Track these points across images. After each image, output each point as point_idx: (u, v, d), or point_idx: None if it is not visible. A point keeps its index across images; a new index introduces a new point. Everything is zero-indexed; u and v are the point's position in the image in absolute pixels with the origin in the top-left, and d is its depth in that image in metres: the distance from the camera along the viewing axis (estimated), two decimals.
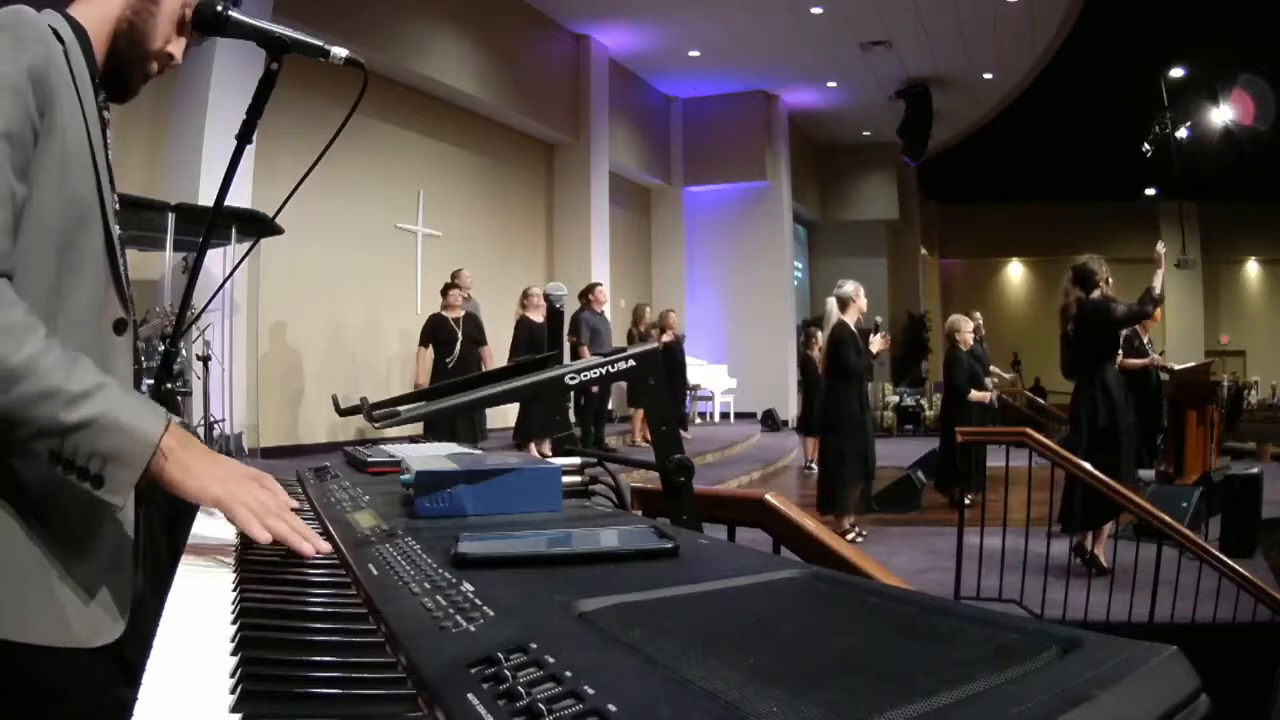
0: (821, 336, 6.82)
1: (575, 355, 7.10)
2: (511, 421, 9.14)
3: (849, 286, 5.95)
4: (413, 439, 3.63)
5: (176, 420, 1.01)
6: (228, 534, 1.07)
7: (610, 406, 9.81)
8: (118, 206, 1.12)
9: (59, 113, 1.01)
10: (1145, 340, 6.65)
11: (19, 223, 0.98)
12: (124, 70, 1.16)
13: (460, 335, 7.12)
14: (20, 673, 0.96)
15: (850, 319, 5.91)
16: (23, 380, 0.89)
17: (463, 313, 7.26)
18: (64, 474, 0.92)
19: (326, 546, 0.99)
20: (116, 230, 1.09)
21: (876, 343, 6.02)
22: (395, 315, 9.11)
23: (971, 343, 7.23)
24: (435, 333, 7.18)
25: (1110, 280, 4.95)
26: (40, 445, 0.92)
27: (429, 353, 7.22)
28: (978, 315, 8.12)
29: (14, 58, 0.97)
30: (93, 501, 0.94)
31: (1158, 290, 4.85)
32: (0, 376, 0.88)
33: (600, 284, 9.01)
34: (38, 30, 1.01)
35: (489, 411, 7.77)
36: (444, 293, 7.33)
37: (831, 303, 6.00)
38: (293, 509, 1.03)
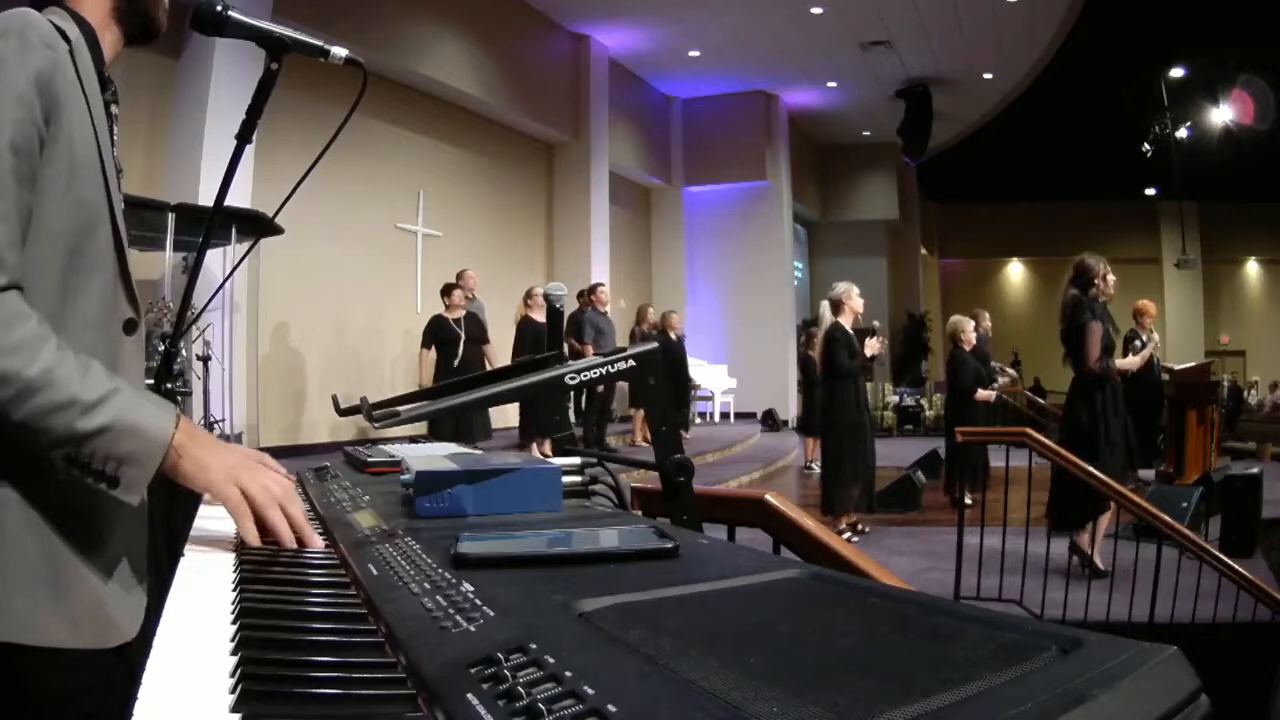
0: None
1: (576, 355, 7.08)
2: (513, 421, 9.14)
3: (840, 288, 5.90)
4: (413, 439, 3.63)
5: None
6: (227, 532, 1.08)
7: (611, 406, 9.80)
8: (124, 205, 1.12)
9: (65, 116, 1.01)
10: (1145, 337, 6.56)
11: (27, 232, 0.98)
12: (145, 29, 1.18)
13: (462, 335, 7.10)
14: (30, 675, 0.96)
15: (846, 320, 5.86)
16: (39, 392, 0.91)
17: (463, 313, 7.23)
18: (80, 476, 0.94)
19: (320, 542, 1.01)
20: (124, 229, 1.09)
21: (872, 346, 5.99)
22: (396, 315, 9.10)
23: (975, 342, 7.21)
24: (437, 334, 7.15)
25: (1110, 278, 4.91)
26: (57, 453, 0.93)
27: (431, 354, 7.19)
28: (979, 312, 8.05)
29: (19, 63, 0.97)
30: (107, 501, 0.96)
31: (1125, 364, 5.39)
32: (17, 390, 0.90)
33: (602, 284, 9.02)
34: (43, 33, 1.00)
35: (491, 411, 7.77)
36: (446, 293, 7.29)
37: (824, 306, 5.97)
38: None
